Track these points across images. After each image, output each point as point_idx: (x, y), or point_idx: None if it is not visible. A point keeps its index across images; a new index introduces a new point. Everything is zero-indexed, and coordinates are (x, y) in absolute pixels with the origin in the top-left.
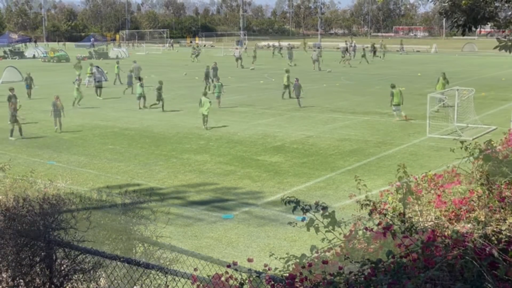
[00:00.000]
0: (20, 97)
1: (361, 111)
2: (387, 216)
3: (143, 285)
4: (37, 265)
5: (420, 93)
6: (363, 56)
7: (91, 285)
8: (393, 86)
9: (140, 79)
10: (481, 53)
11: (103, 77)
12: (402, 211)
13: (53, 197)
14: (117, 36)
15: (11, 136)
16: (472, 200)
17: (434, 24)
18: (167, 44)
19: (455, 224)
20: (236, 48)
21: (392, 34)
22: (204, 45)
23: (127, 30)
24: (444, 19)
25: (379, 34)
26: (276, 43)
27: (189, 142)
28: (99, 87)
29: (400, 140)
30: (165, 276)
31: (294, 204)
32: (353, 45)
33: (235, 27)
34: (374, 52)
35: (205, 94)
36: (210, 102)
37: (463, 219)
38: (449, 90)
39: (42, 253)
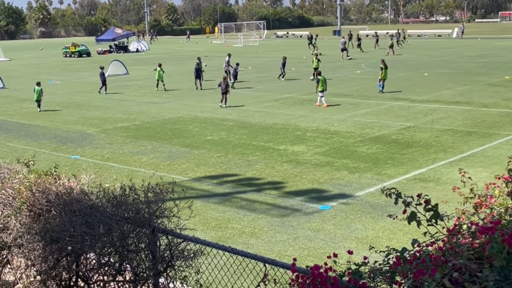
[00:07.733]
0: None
1: (464, 101)
2: (493, 210)
3: (243, 273)
4: (142, 251)
5: None
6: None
7: (192, 272)
8: (319, 74)
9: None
10: None
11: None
12: (510, 206)
13: (157, 186)
14: (216, 29)
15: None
16: None
17: None
18: (264, 36)
19: None
20: (343, 38)
21: (498, 20)
22: (301, 36)
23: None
24: None
25: (484, 20)
26: (399, 31)
27: (286, 133)
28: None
29: (506, 131)
30: (264, 266)
31: (396, 196)
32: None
33: (332, 16)
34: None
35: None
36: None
37: None
38: None
39: (147, 240)
